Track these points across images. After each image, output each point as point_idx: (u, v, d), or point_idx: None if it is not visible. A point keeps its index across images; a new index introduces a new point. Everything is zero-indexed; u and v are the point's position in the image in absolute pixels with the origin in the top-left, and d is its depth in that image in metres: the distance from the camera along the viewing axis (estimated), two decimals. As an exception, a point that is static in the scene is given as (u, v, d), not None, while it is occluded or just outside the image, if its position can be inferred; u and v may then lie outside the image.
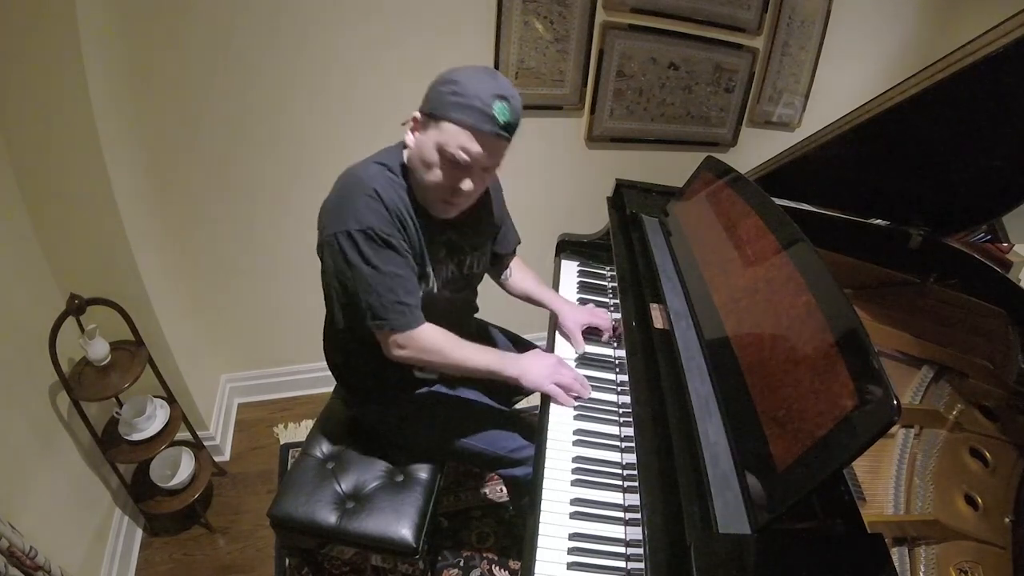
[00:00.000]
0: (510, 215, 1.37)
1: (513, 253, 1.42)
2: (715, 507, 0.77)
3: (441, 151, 0.98)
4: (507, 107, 0.96)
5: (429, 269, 1.12)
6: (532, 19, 1.75)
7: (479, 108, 0.95)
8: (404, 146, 1.07)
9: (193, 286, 1.86)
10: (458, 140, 0.96)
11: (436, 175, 1.00)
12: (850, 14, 2.13)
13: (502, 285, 1.44)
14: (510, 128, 0.99)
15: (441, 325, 1.12)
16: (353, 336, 1.15)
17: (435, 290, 1.15)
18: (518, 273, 1.44)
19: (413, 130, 1.04)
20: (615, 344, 1.32)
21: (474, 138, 0.96)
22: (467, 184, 1.01)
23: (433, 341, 1.08)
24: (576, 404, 1.15)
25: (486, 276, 1.37)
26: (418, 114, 1.02)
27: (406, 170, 1.07)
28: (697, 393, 0.95)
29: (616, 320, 1.34)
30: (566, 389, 1.14)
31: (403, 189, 1.06)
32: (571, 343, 1.31)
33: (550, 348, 1.34)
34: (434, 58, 1.71)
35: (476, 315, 1.47)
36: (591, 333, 1.34)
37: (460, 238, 1.17)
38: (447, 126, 0.97)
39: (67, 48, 1.22)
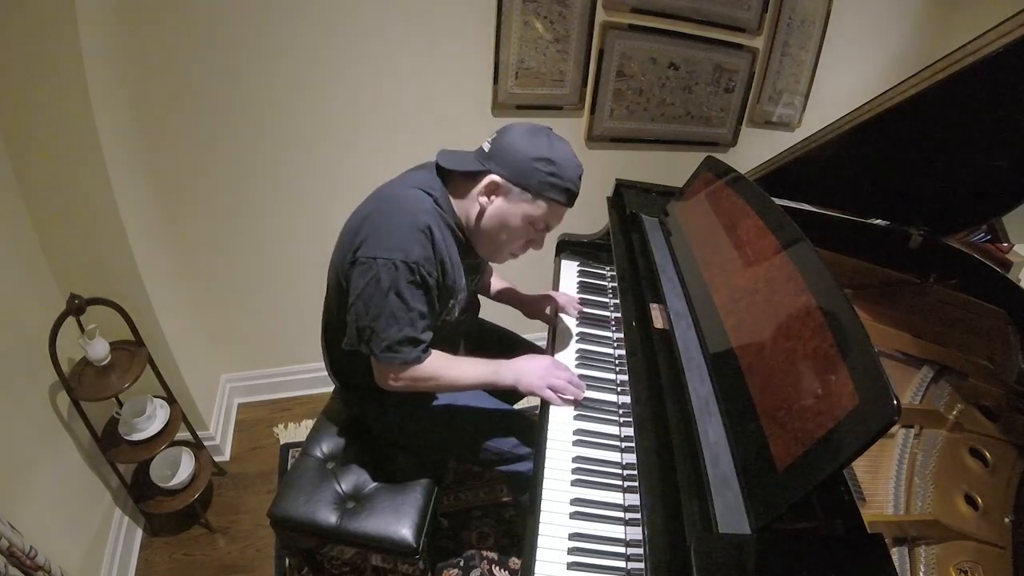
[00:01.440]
0: None
1: None
2: (715, 507, 0.77)
3: (532, 224, 1.08)
4: (580, 181, 1.10)
5: (454, 301, 1.14)
6: (532, 19, 1.75)
7: (572, 190, 1.08)
8: (467, 195, 1.10)
9: (193, 286, 1.86)
10: (555, 217, 1.09)
11: (517, 242, 1.11)
12: (850, 14, 2.13)
13: (477, 290, 1.45)
14: (575, 198, 1.12)
15: (453, 343, 1.15)
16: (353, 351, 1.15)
17: (454, 318, 1.18)
18: (489, 275, 1.49)
19: (489, 194, 1.07)
20: (615, 344, 1.32)
21: (559, 212, 1.09)
22: (539, 247, 1.14)
23: (430, 370, 1.08)
24: (575, 404, 1.15)
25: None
26: (499, 179, 1.05)
27: (451, 211, 1.10)
28: (697, 393, 0.95)
29: (577, 298, 1.45)
30: (560, 392, 1.14)
31: (448, 228, 1.09)
32: (545, 320, 1.42)
33: (549, 347, 1.34)
34: (434, 58, 1.73)
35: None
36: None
37: (478, 259, 1.22)
38: (544, 204, 1.06)
39: (67, 48, 1.22)
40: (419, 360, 1.06)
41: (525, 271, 2.19)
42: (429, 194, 1.07)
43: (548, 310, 1.42)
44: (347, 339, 1.07)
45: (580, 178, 1.08)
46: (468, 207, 1.10)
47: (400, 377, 1.07)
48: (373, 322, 1.02)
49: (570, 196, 1.08)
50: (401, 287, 1.00)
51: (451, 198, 1.10)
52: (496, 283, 1.51)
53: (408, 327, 1.02)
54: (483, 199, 1.07)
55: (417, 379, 1.08)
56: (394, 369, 1.06)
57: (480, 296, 1.48)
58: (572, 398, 1.14)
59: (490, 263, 1.39)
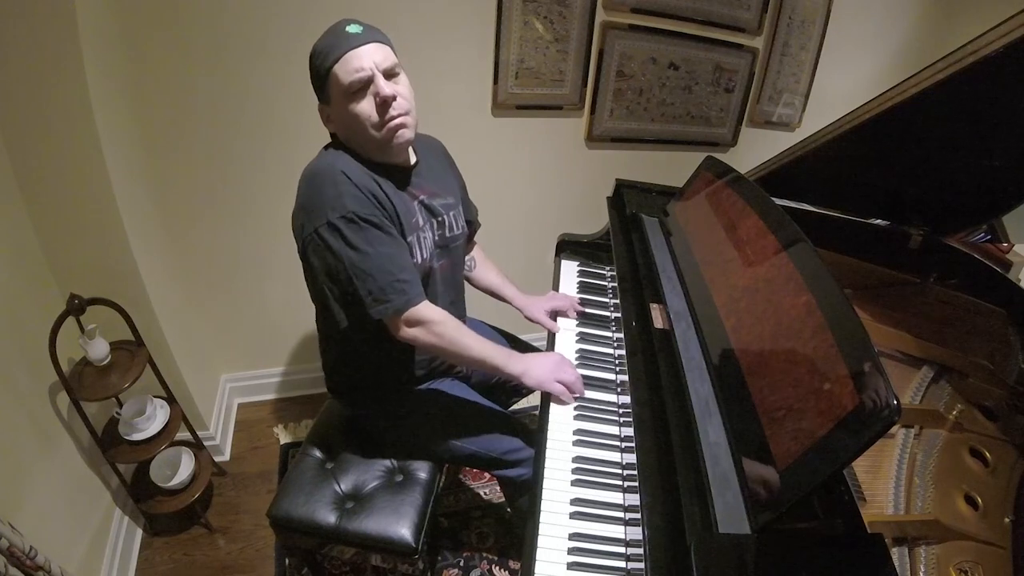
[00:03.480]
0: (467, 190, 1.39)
1: (473, 230, 1.42)
2: (715, 507, 0.77)
3: (348, 94, 1.02)
4: (354, 24, 1.03)
5: (412, 239, 1.11)
6: (532, 19, 1.75)
7: (336, 42, 1.01)
8: (335, 140, 1.12)
9: (193, 286, 1.86)
10: (345, 72, 1.00)
11: (364, 112, 1.03)
12: (850, 14, 2.13)
13: (467, 278, 1.44)
14: (370, 31, 1.04)
15: (437, 304, 1.12)
16: (352, 338, 1.15)
17: (421, 260, 1.14)
18: (482, 265, 1.46)
19: (328, 121, 1.10)
20: (615, 344, 1.32)
21: (350, 58, 1.00)
22: (385, 89, 1.01)
23: (440, 319, 1.08)
24: (576, 403, 1.15)
25: None
26: (320, 104, 1.09)
27: (353, 152, 1.10)
28: (697, 393, 0.95)
29: (577, 300, 1.44)
30: (568, 387, 1.14)
31: (363, 166, 1.07)
32: (545, 326, 1.39)
33: (549, 348, 1.34)
34: (434, 58, 1.72)
35: (476, 317, 1.47)
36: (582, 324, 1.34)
37: (431, 198, 1.18)
38: (333, 76, 1.02)
39: (67, 48, 1.22)
40: (411, 302, 1.04)
41: (525, 271, 2.20)
42: (334, 150, 1.09)
43: (548, 313, 1.41)
44: (337, 320, 1.09)
45: (345, 24, 1.03)
46: (345, 142, 1.11)
47: (410, 322, 1.06)
48: (350, 286, 1.03)
49: (344, 42, 1.01)
50: (352, 240, 1.00)
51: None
52: (496, 279, 1.48)
53: (381, 273, 1.01)
54: (330, 126, 1.11)
55: (429, 325, 1.06)
56: (393, 320, 1.05)
57: (480, 291, 1.47)
58: (576, 396, 1.15)
59: (462, 224, 1.34)
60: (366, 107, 1.03)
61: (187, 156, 1.65)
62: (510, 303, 1.46)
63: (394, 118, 1.04)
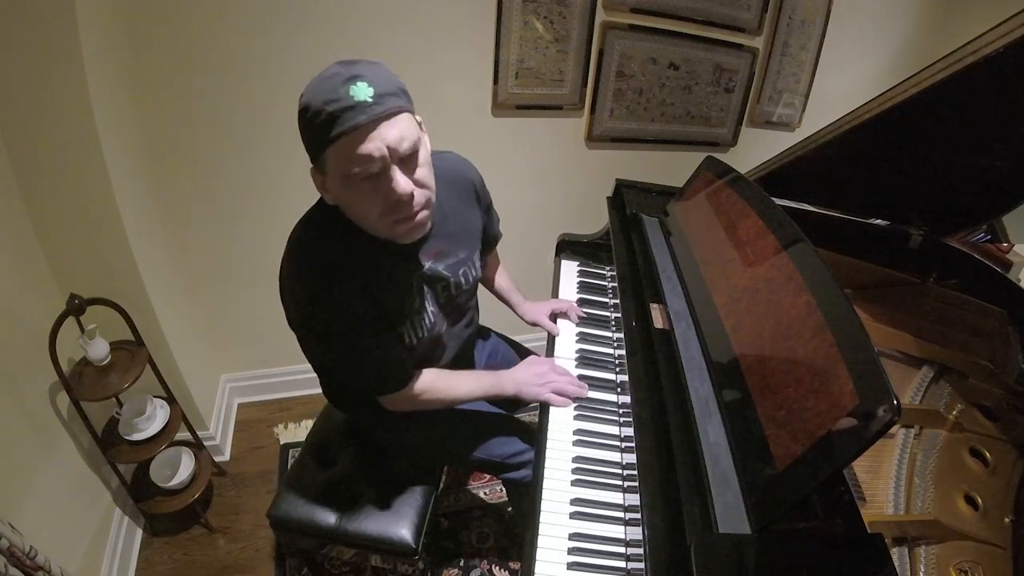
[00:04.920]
0: (492, 204, 1.24)
1: (494, 242, 1.33)
2: (715, 507, 0.77)
3: (348, 180, 0.81)
4: (362, 83, 0.77)
5: (404, 327, 1.01)
6: (532, 19, 1.75)
7: (337, 107, 0.76)
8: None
9: (193, 286, 1.86)
10: (347, 156, 0.78)
11: (370, 206, 0.84)
12: (850, 14, 2.13)
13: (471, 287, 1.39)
14: (381, 98, 0.78)
15: (449, 358, 1.13)
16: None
17: (418, 339, 1.04)
18: (493, 267, 1.43)
19: (323, 190, 0.89)
20: (615, 344, 1.32)
21: (354, 140, 0.78)
22: (400, 186, 0.82)
23: (423, 387, 1.08)
24: (576, 404, 1.15)
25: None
26: (311, 168, 0.86)
27: (329, 223, 0.93)
28: (697, 393, 0.95)
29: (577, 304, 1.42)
30: (562, 392, 1.14)
31: (353, 245, 0.92)
32: (545, 327, 1.37)
33: (549, 348, 1.34)
34: (434, 58, 1.72)
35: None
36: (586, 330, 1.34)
37: (437, 261, 1.04)
38: (331, 154, 0.80)
39: (67, 48, 1.22)
40: (398, 388, 1.04)
41: (525, 271, 2.20)
42: (316, 229, 0.93)
43: (549, 317, 1.39)
44: (331, 380, 1.12)
45: (348, 83, 0.76)
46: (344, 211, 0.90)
47: (395, 402, 1.08)
48: (343, 376, 1.05)
49: (339, 117, 0.76)
50: (334, 346, 0.97)
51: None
52: (505, 284, 1.46)
53: (364, 367, 0.99)
54: (327, 196, 0.89)
55: (411, 398, 1.07)
56: (386, 399, 1.07)
57: (483, 286, 1.42)
58: (574, 396, 1.15)
59: (492, 257, 1.36)
60: (372, 199, 0.83)
61: (187, 156, 1.65)
62: (514, 309, 1.45)
63: (405, 219, 0.87)
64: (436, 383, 1.10)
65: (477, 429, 1.27)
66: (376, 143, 0.78)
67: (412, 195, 0.84)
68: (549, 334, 1.38)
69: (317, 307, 0.92)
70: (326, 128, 0.77)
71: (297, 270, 0.93)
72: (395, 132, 0.80)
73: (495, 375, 1.17)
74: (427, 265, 1.02)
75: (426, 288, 1.04)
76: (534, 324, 1.41)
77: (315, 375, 1.23)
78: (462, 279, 1.10)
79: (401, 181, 0.82)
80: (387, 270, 0.96)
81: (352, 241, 0.92)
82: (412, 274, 1.00)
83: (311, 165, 0.86)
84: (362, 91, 0.76)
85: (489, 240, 1.26)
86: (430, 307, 1.06)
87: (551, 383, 1.14)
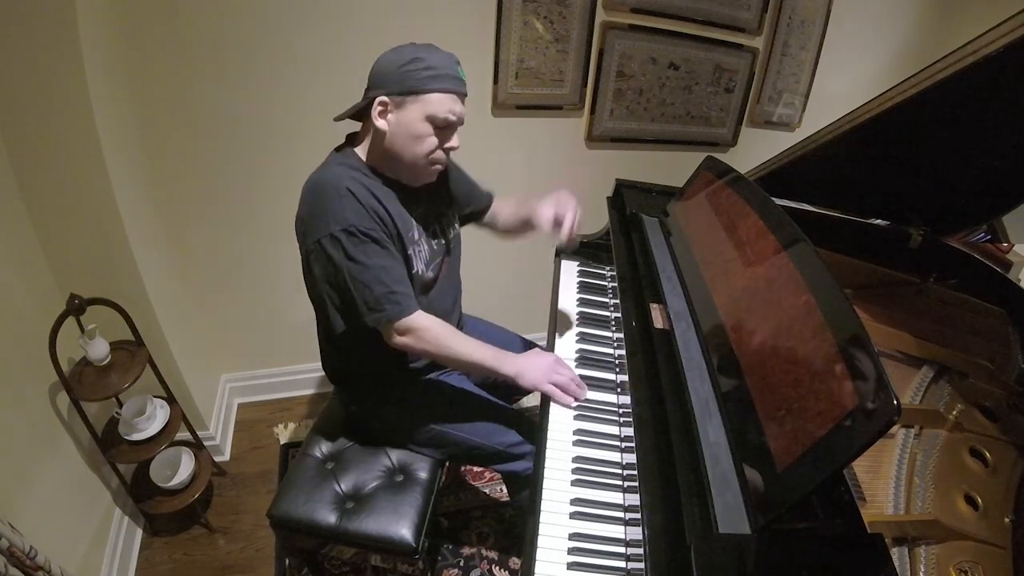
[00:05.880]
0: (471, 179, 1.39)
1: (490, 203, 1.43)
2: (715, 507, 0.77)
3: (432, 119, 1.07)
4: (461, 67, 1.09)
5: (410, 251, 1.16)
6: (532, 19, 1.75)
7: (452, 75, 1.07)
8: (368, 133, 1.12)
9: (193, 286, 1.86)
10: (446, 105, 1.06)
11: (429, 143, 1.09)
12: (850, 14, 2.13)
13: (494, 227, 1.44)
14: (465, 84, 1.11)
15: (433, 313, 1.14)
16: (350, 337, 1.16)
17: (419, 271, 1.18)
18: (500, 205, 1.42)
19: (381, 115, 1.08)
20: (615, 344, 1.32)
21: (457, 99, 1.08)
22: (455, 140, 1.11)
23: (430, 326, 1.12)
24: (575, 404, 1.15)
25: (486, 229, 1.45)
26: (386, 98, 1.06)
27: (364, 164, 1.13)
28: (697, 393, 0.95)
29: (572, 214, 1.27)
30: (563, 389, 1.14)
31: (370, 182, 1.11)
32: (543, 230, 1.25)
33: (550, 348, 1.34)
34: (434, 58, 1.72)
35: (476, 316, 1.46)
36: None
37: (427, 210, 1.22)
38: (432, 97, 1.05)
39: (67, 48, 1.22)
40: (404, 312, 1.08)
41: (525, 271, 2.20)
42: (343, 164, 1.12)
43: (549, 217, 1.24)
44: (334, 326, 1.13)
45: (458, 64, 1.09)
46: (375, 142, 1.11)
47: (403, 331, 1.10)
48: (347, 296, 1.08)
49: (453, 81, 1.07)
50: (352, 253, 1.04)
51: (361, 152, 1.14)
52: (515, 209, 1.39)
53: (377, 284, 1.06)
54: (380, 122, 1.08)
55: (421, 333, 1.10)
56: (387, 328, 1.10)
57: (516, 233, 1.41)
58: (573, 396, 1.15)
59: (488, 206, 1.39)
60: (431, 141, 1.09)
61: (187, 156, 1.65)
62: (532, 220, 1.29)
63: (439, 163, 1.13)
64: (442, 327, 1.14)
65: (478, 414, 1.29)
66: (459, 108, 1.09)
67: (453, 151, 1.13)
68: (550, 333, 1.38)
69: (347, 211, 1.04)
70: (435, 80, 1.05)
71: (329, 183, 1.07)
72: (463, 109, 1.11)
73: (498, 351, 1.18)
74: (419, 211, 1.20)
75: (421, 225, 1.20)
76: (547, 221, 1.25)
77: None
78: (447, 227, 1.30)
79: (456, 139, 1.12)
80: (394, 204, 1.13)
81: (366, 180, 1.11)
82: (411, 212, 1.18)
83: (380, 96, 1.06)
84: (463, 73, 1.10)
85: (483, 200, 1.40)
86: (424, 244, 1.20)
87: (553, 376, 1.15)
